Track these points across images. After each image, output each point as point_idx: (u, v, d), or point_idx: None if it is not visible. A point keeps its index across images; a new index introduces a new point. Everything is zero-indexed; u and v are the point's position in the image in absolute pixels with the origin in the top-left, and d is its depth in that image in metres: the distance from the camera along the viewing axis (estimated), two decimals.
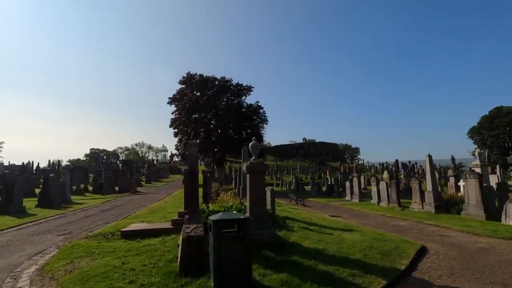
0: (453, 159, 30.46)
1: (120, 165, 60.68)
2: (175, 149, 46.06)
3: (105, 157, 78.71)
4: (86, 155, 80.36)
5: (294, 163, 67.75)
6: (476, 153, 19.03)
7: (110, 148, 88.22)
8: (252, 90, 42.26)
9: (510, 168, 32.86)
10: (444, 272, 4.95)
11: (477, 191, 11.11)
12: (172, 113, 40.97)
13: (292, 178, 39.71)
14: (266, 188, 8.62)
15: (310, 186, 33.25)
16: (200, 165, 62.02)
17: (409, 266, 5.18)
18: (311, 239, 6.59)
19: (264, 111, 42.53)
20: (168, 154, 76.20)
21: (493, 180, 18.44)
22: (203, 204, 8.37)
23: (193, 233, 5.00)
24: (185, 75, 40.57)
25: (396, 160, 53.26)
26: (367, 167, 63.86)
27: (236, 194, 14.94)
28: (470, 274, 4.84)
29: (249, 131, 41.01)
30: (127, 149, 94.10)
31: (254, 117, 42.79)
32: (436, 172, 23.57)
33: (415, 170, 50.09)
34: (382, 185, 17.26)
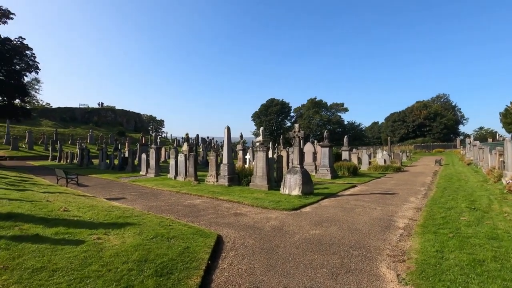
0: (241, 135, 35.27)
1: None
2: None
3: None
4: None
5: (84, 132, 55.49)
6: (261, 130, 21.85)
7: None
8: (12, 18, 28.14)
9: (276, 145, 42.72)
10: (247, 287, 3.31)
11: (264, 163, 11.71)
12: None
13: (78, 150, 31.29)
14: None
15: (99, 160, 27.16)
16: None
17: None
18: (18, 269, 3.16)
19: (33, 53, 29.75)
20: None
21: (270, 154, 22.05)
22: None
23: None
24: None
25: (197, 135, 55.96)
26: (171, 141, 63.42)
27: None
28: (276, 281, 3.48)
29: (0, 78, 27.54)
30: None
31: (16, 60, 29.22)
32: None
33: (212, 145, 55.04)
34: (181, 158, 15.74)
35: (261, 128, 20.68)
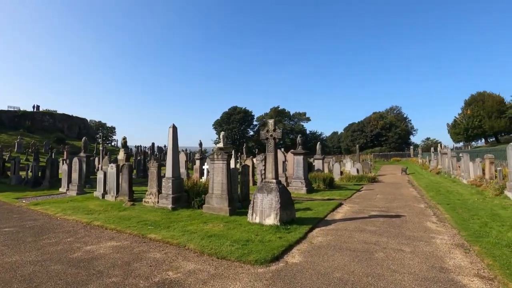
0: (200, 143, 31.10)
1: None
2: None
3: None
4: None
5: (11, 139, 46.50)
6: (221, 136, 18.36)
7: None
8: None
9: (239, 154, 39.30)
10: None
11: (224, 176, 8.29)
12: None
13: None
14: None
15: (11, 172, 21.23)
16: None
17: None
18: None
19: None
20: None
21: (232, 164, 18.60)
22: None
23: None
24: None
25: (153, 143, 50.36)
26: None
27: None
28: None
29: None
30: None
31: None
32: (185, 155, 21.58)
33: None
34: (111, 169, 11.61)
35: (222, 133, 17.20)
